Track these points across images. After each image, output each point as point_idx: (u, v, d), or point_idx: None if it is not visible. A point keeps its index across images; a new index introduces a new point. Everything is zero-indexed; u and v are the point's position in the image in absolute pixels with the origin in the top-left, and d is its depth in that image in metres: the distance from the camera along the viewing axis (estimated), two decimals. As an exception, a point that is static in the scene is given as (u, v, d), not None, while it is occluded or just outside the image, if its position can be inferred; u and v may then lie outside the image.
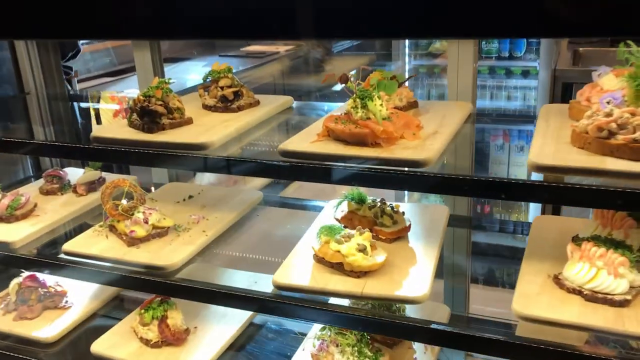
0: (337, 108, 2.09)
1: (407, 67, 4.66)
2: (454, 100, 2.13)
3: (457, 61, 2.12)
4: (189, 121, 1.93)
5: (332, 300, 1.77)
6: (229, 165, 1.64)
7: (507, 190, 1.41)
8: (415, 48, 4.52)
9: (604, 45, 4.91)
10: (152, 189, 2.56)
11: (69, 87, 3.52)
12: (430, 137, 1.69)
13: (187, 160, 1.69)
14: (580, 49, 4.86)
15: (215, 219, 2.14)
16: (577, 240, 1.80)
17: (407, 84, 2.03)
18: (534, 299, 1.57)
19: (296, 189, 4.21)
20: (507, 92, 4.60)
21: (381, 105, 1.71)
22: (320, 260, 1.79)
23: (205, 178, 3.30)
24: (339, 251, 1.72)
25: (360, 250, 1.71)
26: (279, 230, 2.24)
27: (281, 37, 2.12)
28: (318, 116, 2.28)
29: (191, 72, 5.05)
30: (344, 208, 2.02)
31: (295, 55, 5.69)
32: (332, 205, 2.18)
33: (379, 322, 1.62)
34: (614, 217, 1.74)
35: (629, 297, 1.50)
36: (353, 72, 2.01)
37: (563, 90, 4.22)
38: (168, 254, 1.92)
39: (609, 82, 1.71)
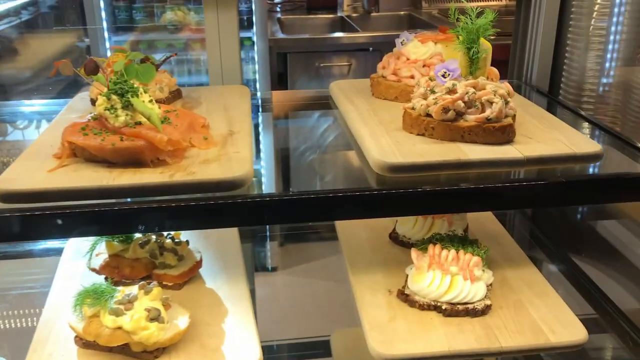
0: (64, 110, 1.44)
1: (106, 45, 3.93)
2: (221, 85, 1.67)
3: (218, 33, 1.65)
4: None
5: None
6: None
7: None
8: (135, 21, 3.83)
9: (301, 13, 4.95)
10: None
11: None
12: (229, 141, 1.21)
13: None
14: (282, 17, 4.81)
15: None
16: (398, 242, 1.55)
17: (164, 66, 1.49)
18: (390, 330, 1.24)
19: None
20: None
21: (151, 101, 1.16)
22: (88, 344, 1.18)
23: None
24: (120, 327, 1.14)
25: (153, 319, 1.16)
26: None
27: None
28: (15, 122, 1.58)
29: None
30: (102, 251, 1.41)
31: None
32: (77, 249, 1.53)
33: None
34: (434, 205, 1.52)
35: (488, 302, 1.29)
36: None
37: (278, 61, 4.09)
38: None
39: (416, 50, 1.45)
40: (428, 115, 1.21)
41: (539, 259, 1.65)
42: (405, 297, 1.32)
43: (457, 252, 1.30)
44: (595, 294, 1.44)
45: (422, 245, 1.34)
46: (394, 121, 1.29)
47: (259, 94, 2.40)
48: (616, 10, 1.57)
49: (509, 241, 1.58)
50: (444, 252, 1.30)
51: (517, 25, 1.78)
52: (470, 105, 1.18)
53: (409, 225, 1.53)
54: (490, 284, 1.34)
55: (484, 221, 1.68)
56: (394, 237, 1.57)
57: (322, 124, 1.54)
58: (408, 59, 1.45)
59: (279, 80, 4.11)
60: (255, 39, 3.99)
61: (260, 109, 1.68)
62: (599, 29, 1.59)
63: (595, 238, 1.69)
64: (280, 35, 4.19)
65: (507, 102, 1.20)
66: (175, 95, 1.48)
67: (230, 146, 1.18)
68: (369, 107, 1.41)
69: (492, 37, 1.23)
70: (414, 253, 1.33)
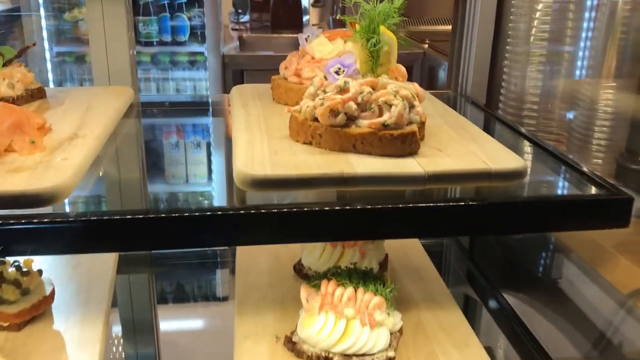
0: None
1: (47, 56, 3.67)
2: (104, 86, 1.43)
3: (103, 26, 1.42)
4: None
5: None
6: None
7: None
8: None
9: (266, 32, 4.78)
10: None
11: None
12: (64, 146, 0.97)
13: None
14: (244, 35, 4.65)
15: None
16: (303, 275, 1.31)
17: (21, 60, 1.25)
18: (265, 387, 0.99)
19: None
20: (175, 83, 4.06)
21: (-41, 93, 0.92)
22: None
23: None
24: None
25: (-53, 372, 0.90)
26: None
27: None
28: None
29: None
30: None
31: None
32: None
33: None
34: (345, 232, 1.28)
35: (392, 354, 1.04)
36: None
37: (234, 78, 3.91)
38: None
39: (322, 48, 1.23)
40: (316, 119, 0.98)
41: (471, 300, 1.42)
42: (292, 345, 1.07)
43: (356, 291, 1.06)
44: (528, 343, 1.20)
45: (315, 281, 1.10)
46: (284, 128, 1.06)
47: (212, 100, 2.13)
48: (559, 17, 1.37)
49: (434, 277, 1.34)
50: (339, 290, 1.05)
51: (454, 32, 1.57)
52: (365, 108, 0.95)
53: (315, 256, 1.29)
54: (399, 330, 1.09)
55: (408, 252, 1.44)
56: (299, 269, 1.33)
57: (204, 132, 1.30)
58: (313, 58, 1.23)
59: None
60: (207, 53, 3.79)
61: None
62: (539, 38, 1.39)
63: (538, 276, 1.46)
64: (237, 52, 4.02)
65: (412, 107, 0.97)
66: (35, 94, 1.23)
67: (61, 152, 0.93)
68: (262, 113, 1.17)
69: (394, 27, 1.01)
70: (304, 291, 1.08)
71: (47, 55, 3.61)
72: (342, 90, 0.96)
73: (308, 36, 1.25)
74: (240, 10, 5.02)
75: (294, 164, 0.89)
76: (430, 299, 1.25)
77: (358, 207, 0.79)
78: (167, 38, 3.80)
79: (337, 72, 1.00)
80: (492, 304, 1.40)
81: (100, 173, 1.03)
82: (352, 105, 0.94)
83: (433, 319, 1.18)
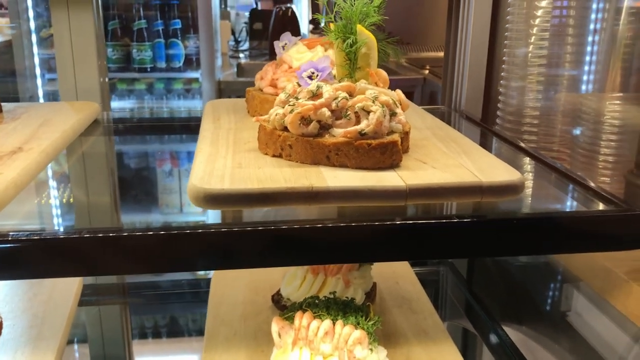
0: None
1: (39, 83, 3.62)
2: (70, 101, 1.34)
3: (70, 41, 1.33)
4: None
5: None
6: None
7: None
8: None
9: (265, 59, 4.75)
10: None
11: None
12: (5, 160, 0.86)
13: None
14: (242, 62, 4.62)
15: None
16: (281, 307, 1.19)
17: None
18: None
19: None
20: (170, 112, 4.00)
21: None
22: None
23: None
24: None
25: None
26: None
27: None
28: None
29: None
30: None
31: None
32: None
33: None
34: (327, 259, 1.16)
35: (376, 396, 0.91)
36: None
37: (228, 104, 3.85)
38: None
39: (300, 57, 1.13)
40: (286, 129, 0.87)
41: (469, 335, 1.29)
42: (263, 386, 0.95)
43: (334, 324, 0.93)
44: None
45: (289, 312, 0.98)
46: (255, 141, 0.95)
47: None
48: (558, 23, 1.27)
49: (427, 308, 1.21)
50: (314, 323, 0.93)
51: (447, 44, 1.47)
52: (340, 116, 0.85)
53: (295, 285, 1.17)
54: (384, 369, 0.97)
55: (399, 280, 1.32)
56: (277, 300, 1.20)
57: (170, 148, 1.20)
58: (290, 67, 1.13)
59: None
60: (201, 79, 3.74)
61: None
62: (536, 64, 1.28)
63: (543, 307, 1.33)
64: (233, 79, 3.97)
65: (393, 114, 0.86)
66: (-11, 108, 1.14)
67: (-4, 167, 0.83)
68: (234, 127, 1.07)
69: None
70: (275, 324, 0.96)
71: (39, 82, 3.55)
72: (315, 95, 0.86)
73: (285, 44, 1.15)
74: (240, 39, 5.00)
75: (258, 177, 0.78)
76: (422, 333, 1.12)
77: (307, 226, 0.68)
78: (162, 64, 3.75)
79: (310, 77, 0.90)
80: (492, 338, 1.27)
81: (47, 190, 0.93)
82: (326, 112, 0.84)
83: (425, 356, 1.05)
